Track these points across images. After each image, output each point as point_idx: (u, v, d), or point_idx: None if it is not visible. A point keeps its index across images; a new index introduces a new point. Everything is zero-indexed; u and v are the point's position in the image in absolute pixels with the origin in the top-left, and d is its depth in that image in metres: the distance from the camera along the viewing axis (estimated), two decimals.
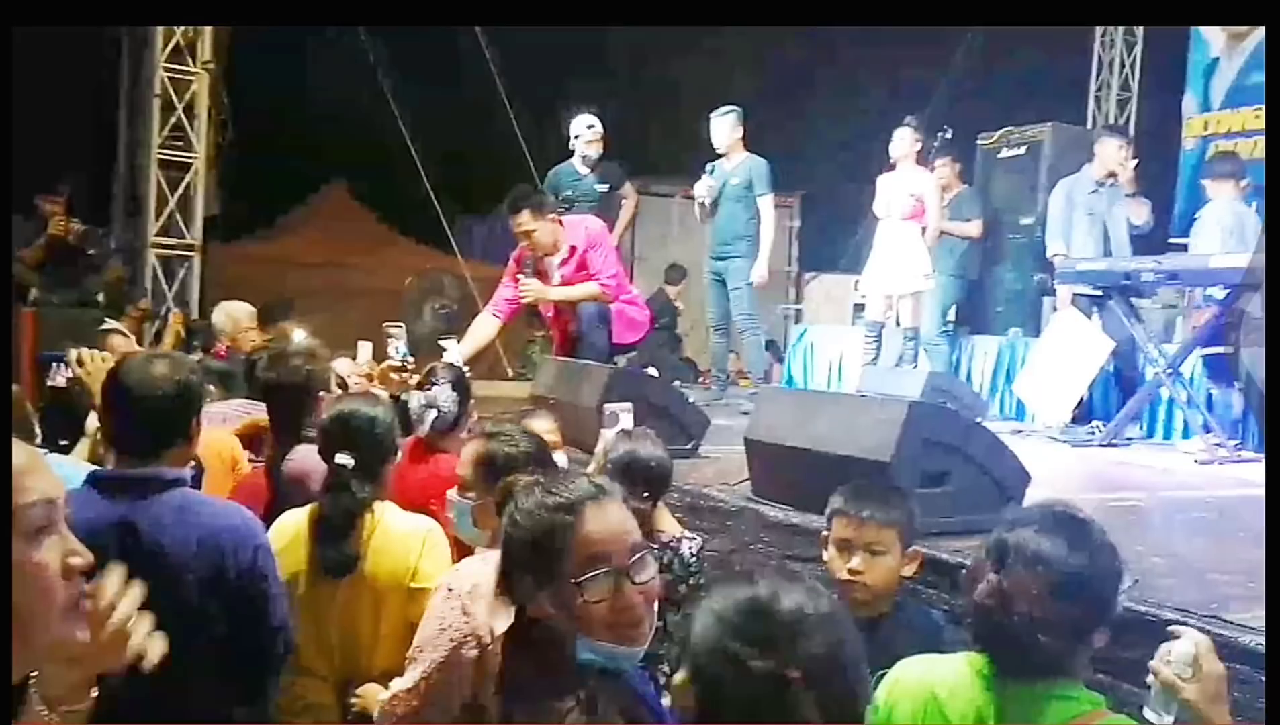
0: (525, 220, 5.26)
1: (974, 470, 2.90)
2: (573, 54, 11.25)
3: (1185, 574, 2.61)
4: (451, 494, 2.55)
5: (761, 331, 6.91)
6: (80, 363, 2.89)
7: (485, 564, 2.23)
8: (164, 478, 2.17)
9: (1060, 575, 1.62)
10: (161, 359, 2.31)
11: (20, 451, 1.19)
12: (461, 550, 2.64)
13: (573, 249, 5.39)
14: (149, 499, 2.14)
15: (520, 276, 5.42)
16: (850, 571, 2.23)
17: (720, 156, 6.76)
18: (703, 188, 6.66)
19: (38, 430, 2.93)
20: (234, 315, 5.75)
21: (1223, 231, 5.92)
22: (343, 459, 2.57)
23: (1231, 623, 2.04)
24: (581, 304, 5.43)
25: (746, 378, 7.76)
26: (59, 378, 3.19)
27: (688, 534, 2.89)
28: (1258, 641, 1.95)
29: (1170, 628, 1.69)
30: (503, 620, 1.84)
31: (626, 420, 3.13)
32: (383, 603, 2.54)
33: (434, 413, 3.33)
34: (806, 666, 1.19)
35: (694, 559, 2.80)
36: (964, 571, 2.28)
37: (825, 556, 2.35)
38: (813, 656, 1.20)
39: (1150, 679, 1.65)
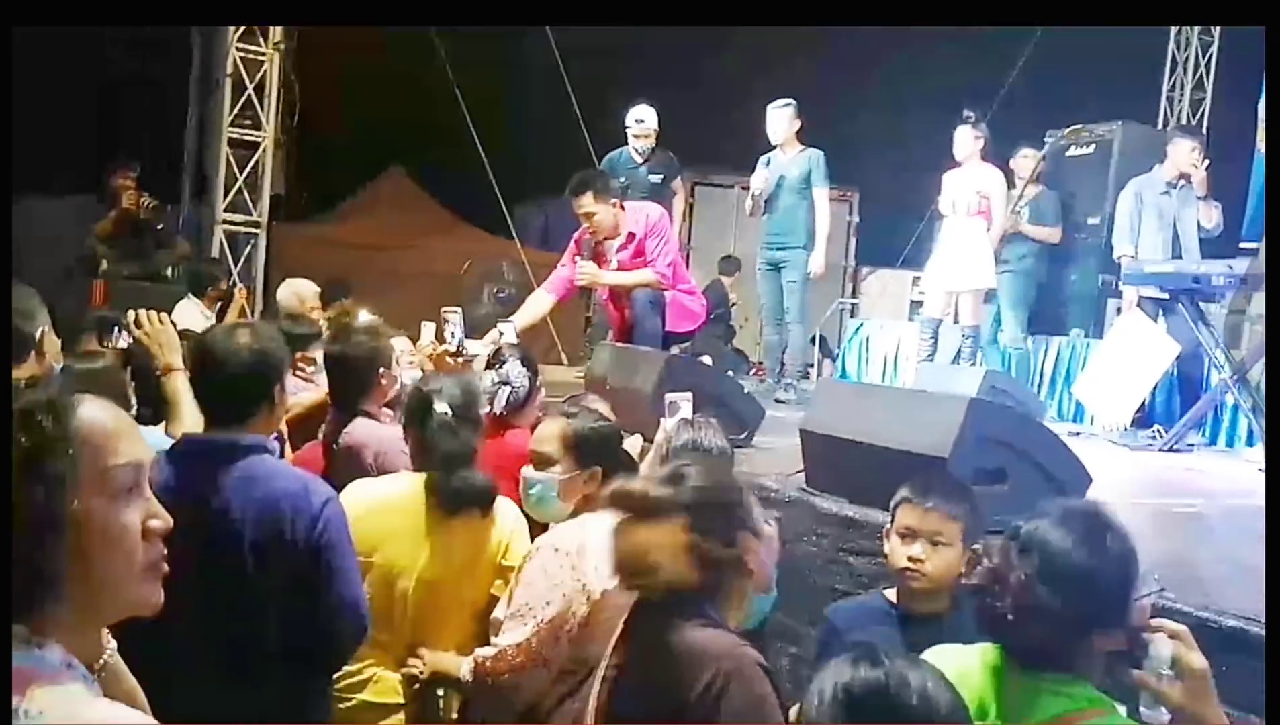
0: (587, 202, 5.30)
1: (1033, 470, 2.87)
2: (635, 43, 11.24)
3: (1249, 582, 2.56)
4: (528, 471, 2.60)
5: (807, 326, 6.86)
6: (138, 324, 2.86)
7: (584, 528, 2.38)
8: (241, 443, 2.19)
9: (1060, 567, 1.61)
10: (244, 328, 2.33)
11: (112, 414, 1.23)
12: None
13: (631, 235, 5.41)
14: (225, 464, 2.15)
15: (577, 259, 5.45)
16: (911, 559, 2.24)
17: (775, 148, 6.72)
18: (758, 181, 6.62)
19: (133, 398, 2.96)
20: (300, 293, 5.82)
21: None
22: (440, 407, 2.60)
23: None
24: (636, 290, 5.46)
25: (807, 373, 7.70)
26: (120, 341, 3.23)
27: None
28: None
29: (1152, 623, 1.62)
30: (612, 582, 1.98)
31: (686, 409, 3.17)
32: (467, 574, 2.57)
33: (508, 389, 3.40)
34: None
35: None
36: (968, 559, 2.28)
37: (886, 548, 2.35)
38: None
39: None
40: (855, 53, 11.60)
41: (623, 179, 6.71)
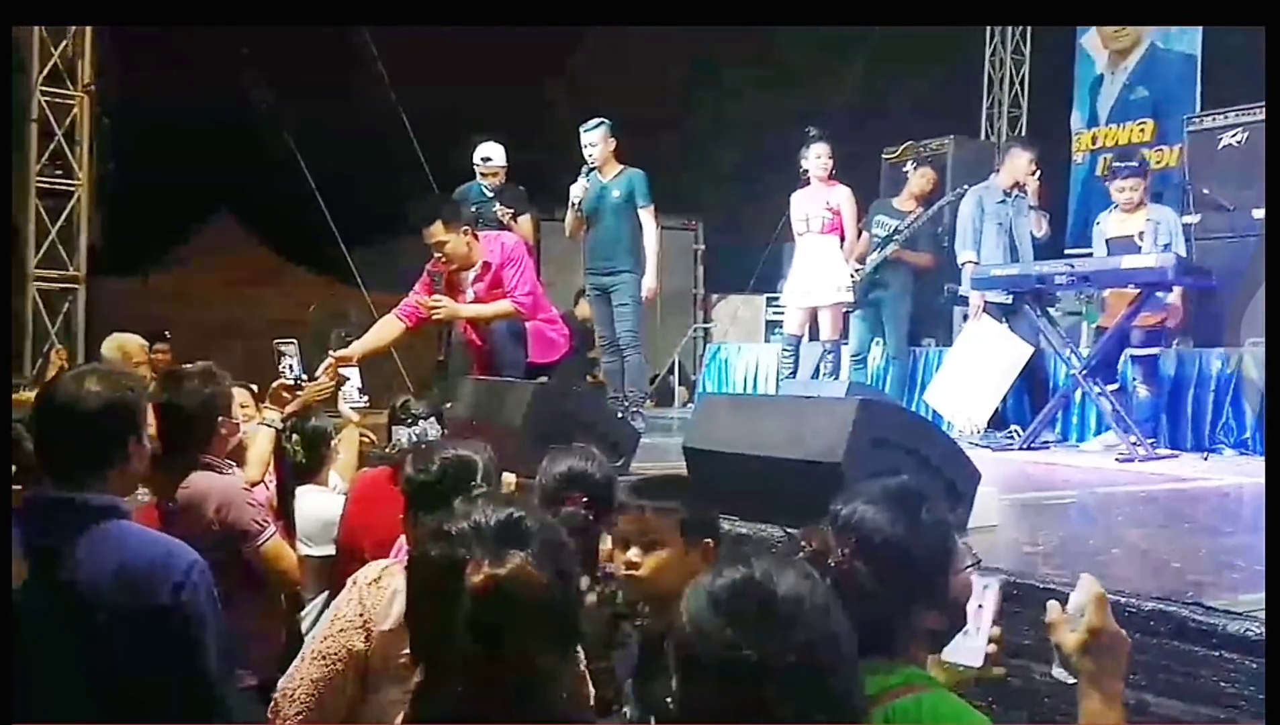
0: (437, 231, 5.04)
1: (926, 469, 2.80)
2: (475, 76, 11.06)
3: (1147, 564, 2.56)
4: None
5: (644, 350, 6.48)
6: None
7: (396, 558, 2.24)
8: (91, 505, 1.92)
9: (876, 544, 1.57)
10: (96, 375, 2.06)
11: None
12: None
13: (487, 264, 5.19)
14: (75, 527, 1.89)
15: (434, 292, 5.20)
16: (627, 563, 2.14)
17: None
18: (577, 189, 6.21)
19: None
20: (125, 347, 5.43)
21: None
22: None
23: (1214, 609, 1.96)
24: (495, 322, 5.25)
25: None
26: None
27: None
28: (1246, 628, 1.87)
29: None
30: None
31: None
32: None
33: None
34: (789, 654, 1.16)
35: None
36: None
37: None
38: (798, 645, 1.17)
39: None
40: (694, 82, 11.75)
41: (473, 210, 6.49)
